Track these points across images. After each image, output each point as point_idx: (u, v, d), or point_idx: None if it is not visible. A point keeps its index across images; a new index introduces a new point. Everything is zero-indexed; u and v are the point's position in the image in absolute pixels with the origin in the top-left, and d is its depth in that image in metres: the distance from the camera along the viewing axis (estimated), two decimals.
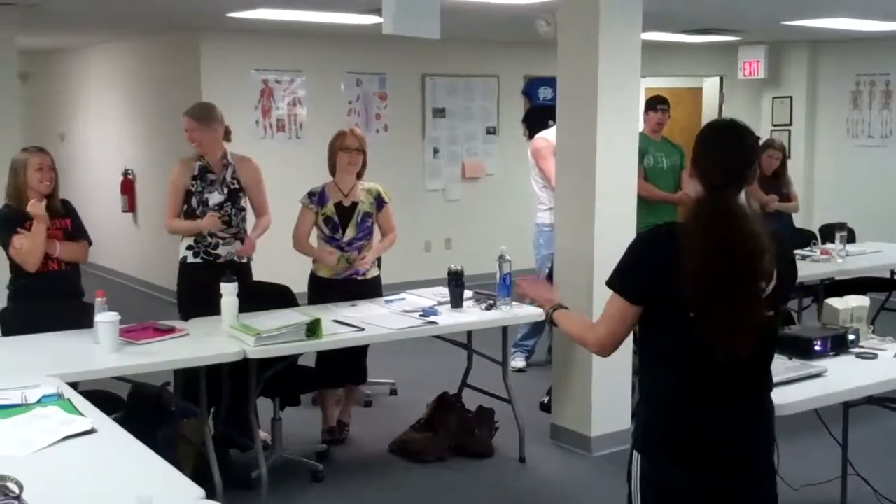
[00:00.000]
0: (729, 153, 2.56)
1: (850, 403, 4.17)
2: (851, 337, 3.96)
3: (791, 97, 10.36)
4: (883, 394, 3.94)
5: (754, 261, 2.49)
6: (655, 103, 6.99)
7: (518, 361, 6.87)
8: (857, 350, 3.94)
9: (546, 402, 5.84)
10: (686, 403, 2.59)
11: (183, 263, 5.23)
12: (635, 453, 2.68)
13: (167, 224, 5.25)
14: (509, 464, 5.20)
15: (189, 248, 5.19)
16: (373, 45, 9.09)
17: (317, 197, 5.22)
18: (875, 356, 3.92)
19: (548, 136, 6.49)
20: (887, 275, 7.26)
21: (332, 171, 5.28)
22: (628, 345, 5.32)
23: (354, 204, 5.25)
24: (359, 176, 5.30)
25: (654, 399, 2.67)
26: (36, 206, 4.64)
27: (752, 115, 10.70)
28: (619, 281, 2.65)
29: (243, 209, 5.29)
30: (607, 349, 2.72)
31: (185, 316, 4.82)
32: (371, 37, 8.46)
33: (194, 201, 5.15)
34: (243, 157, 5.34)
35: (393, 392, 6.36)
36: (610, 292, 2.68)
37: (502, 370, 5.25)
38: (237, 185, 5.24)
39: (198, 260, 5.19)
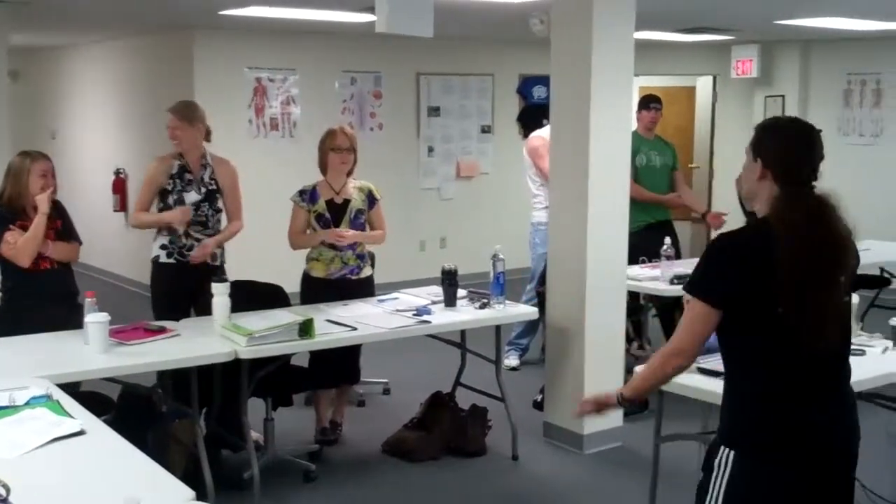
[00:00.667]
0: (812, 149, 2.63)
1: None
2: None
3: (783, 96, 10.37)
4: (871, 390, 3.96)
5: (845, 254, 2.58)
6: (648, 102, 7.00)
7: (512, 360, 6.88)
8: None
9: (539, 400, 5.84)
10: (784, 400, 2.60)
11: (155, 262, 5.23)
12: (727, 451, 2.65)
13: (133, 216, 5.28)
14: (502, 462, 5.20)
15: (163, 247, 5.19)
16: (367, 44, 9.08)
17: (308, 195, 5.21)
18: (863, 352, 3.94)
19: (543, 134, 6.49)
20: (877, 272, 7.28)
21: (323, 171, 5.28)
22: (619, 343, 5.38)
23: (346, 201, 5.24)
24: (349, 174, 5.30)
25: (750, 399, 2.65)
26: (42, 200, 4.63)
27: (745, 113, 10.72)
28: (703, 286, 2.63)
29: (220, 210, 5.30)
30: (686, 359, 2.69)
31: (159, 316, 4.83)
32: (365, 35, 8.45)
33: (171, 200, 5.15)
34: (222, 160, 5.33)
35: (386, 391, 6.36)
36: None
37: (496, 369, 5.26)
38: (215, 187, 5.24)
39: (171, 260, 5.18)
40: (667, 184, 6.97)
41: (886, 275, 7.35)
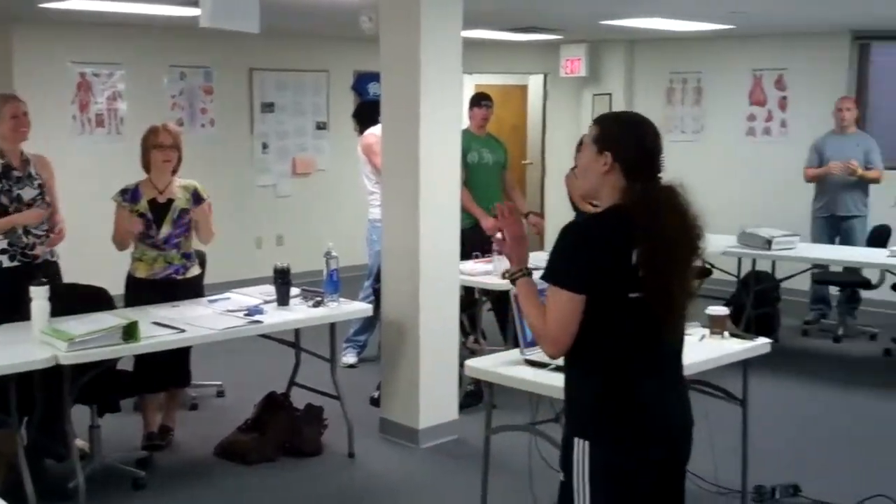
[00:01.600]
0: (655, 141, 2.68)
1: None
2: None
3: (610, 94, 10.71)
4: (689, 376, 4.13)
5: (699, 241, 2.65)
6: (479, 100, 7.11)
7: (349, 357, 6.87)
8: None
9: (376, 396, 5.86)
10: (638, 384, 2.64)
11: None
12: (582, 442, 2.64)
13: None
14: (338, 460, 5.19)
15: (3, 251, 4.95)
16: (197, 39, 8.88)
17: (129, 194, 5.07)
18: None
19: (377, 131, 6.48)
20: (699, 263, 7.61)
21: (147, 168, 5.14)
22: (454, 337, 5.45)
23: (170, 200, 5.12)
24: (174, 172, 5.17)
25: (602, 385, 2.64)
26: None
27: (574, 111, 11.04)
28: (564, 274, 2.61)
29: (50, 205, 5.11)
30: (563, 348, 2.64)
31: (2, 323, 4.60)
32: (195, 30, 8.18)
33: (4, 199, 4.92)
34: (39, 155, 5.16)
35: (220, 394, 6.25)
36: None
37: (331, 367, 5.24)
38: (41, 181, 5.06)
39: (16, 263, 4.96)
40: (499, 181, 7.10)
41: (708, 266, 7.71)
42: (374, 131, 6.58)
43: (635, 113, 2.86)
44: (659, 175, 2.69)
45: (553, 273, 2.63)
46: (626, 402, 2.63)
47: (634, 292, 2.58)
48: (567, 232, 2.65)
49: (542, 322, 2.66)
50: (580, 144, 8.51)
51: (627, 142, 2.66)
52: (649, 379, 2.66)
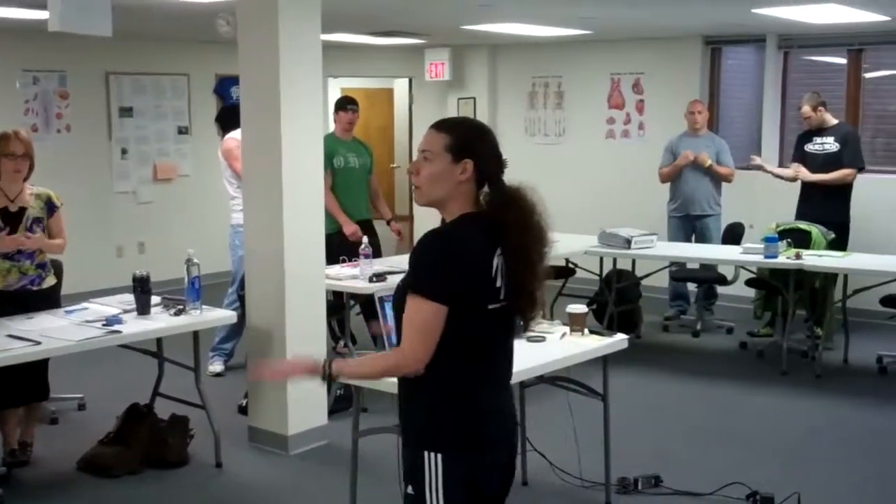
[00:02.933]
0: (497, 146, 2.70)
1: (525, 383, 4.47)
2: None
3: (475, 98, 10.84)
4: (552, 373, 4.27)
5: (550, 243, 2.67)
6: (345, 103, 7.12)
7: (216, 365, 6.77)
8: (528, 334, 4.20)
9: (244, 405, 5.79)
10: (485, 392, 2.63)
11: None
12: (432, 454, 2.58)
13: None
14: (206, 470, 5.11)
15: None
16: (50, 42, 8.54)
17: None
18: (543, 339, 4.23)
19: (237, 135, 6.41)
20: (563, 263, 7.80)
21: None
22: (321, 342, 5.44)
23: (22, 209, 4.96)
24: (26, 180, 5.02)
25: (450, 396, 2.59)
26: None
27: (440, 114, 11.01)
28: (428, 285, 2.52)
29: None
30: (425, 361, 2.54)
31: None
32: (47, 33, 7.96)
33: None
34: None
35: (81, 407, 6.07)
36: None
37: (195, 376, 5.16)
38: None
39: None
40: (365, 184, 7.11)
41: (571, 265, 7.90)
42: (235, 135, 6.50)
43: (475, 118, 2.92)
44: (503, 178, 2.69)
45: (418, 284, 2.53)
46: (474, 411, 2.61)
47: (494, 303, 2.58)
48: (429, 241, 2.57)
49: (389, 360, 2.65)
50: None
51: (484, 149, 2.65)
52: (493, 385, 2.67)
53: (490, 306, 2.57)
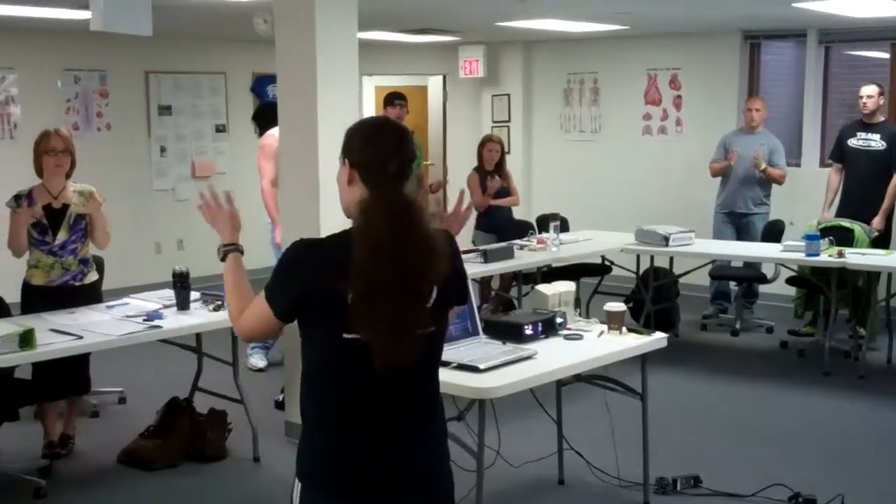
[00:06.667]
0: (398, 145, 2.38)
1: (562, 382, 4.45)
2: (559, 320, 4.22)
3: (509, 95, 10.82)
4: (589, 371, 4.24)
5: (428, 262, 2.28)
6: (393, 99, 7.18)
7: (258, 361, 6.79)
8: (564, 332, 4.21)
9: (281, 399, 5.83)
10: (342, 425, 2.36)
11: None
12: (296, 481, 2.43)
13: None
14: (243, 464, 5.16)
15: None
16: (91, 42, 8.67)
17: (24, 200, 4.96)
18: (581, 337, 4.20)
19: (276, 133, 6.48)
20: (599, 260, 7.78)
21: (40, 173, 5.05)
22: None
23: (65, 206, 5.03)
24: (68, 176, 5.09)
25: (312, 421, 2.41)
26: None
27: (474, 112, 11.14)
28: (272, 294, 2.39)
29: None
30: (247, 340, 2.76)
31: None
32: (88, 33, 8.05)
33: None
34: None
35: (122, 400, 6.14)
36: None
37: (233, 371, 5.20)
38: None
39: None
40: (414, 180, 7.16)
41: (607, 263, 7.87)
42: (274, 132, 6.56)
43: (380, 117, 2.69)
44: (403, 184, 2.37)
45: (269, 281, 2.40)
46: (330, 444, 2.37)
47: (350, 332, 2.27)
48: (288, 249, 2.39)
49: (237, 310, 2.52)
50: (482, 144, 8.67)
51: (362, 144, 2.39)
52: (355, 421, 2.35)
53: (345, 335, 2.27)
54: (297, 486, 2.43)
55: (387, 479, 2.37)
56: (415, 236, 2.28)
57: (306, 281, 2.32)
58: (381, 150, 2.37)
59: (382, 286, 2.22)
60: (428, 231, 2.32)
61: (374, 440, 2.36)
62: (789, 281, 7.57)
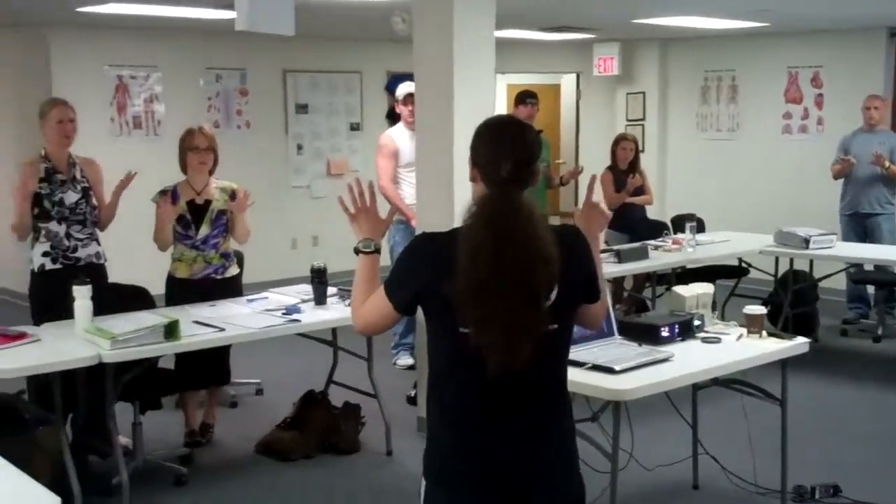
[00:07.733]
0: (513, 145, 2.36)
1: (698, 385, 4.36)
2: (697, 322, 4.14)
3: (644, 93, 10.67)
4: (727, 375, 4.14)
5: (535, 266, 2.23)
6: (525, 97, 7.18)
7: (406, 359, 6.76)
8: (702, 335, 4.12)
9: (413, 395, 5.89)
10: (465, 421, 2.35)
11: (41, 271, 5.04)
12: (423, 481, 2.43)
13: (18, 226, 5.06)
14: (376, 458, 5.23)
15: (45, 254, 5.03)
16: (232, 41, 8.95)
17: (168, 195, 5.13)
18: (719, 340, 4.11)
19: (392, 133, 6.57)
20: (735, 262, 7.59)
21: (184, 170, 5.22)
22: None
23: (208, 202, 5.19)
24: (211, 173, 5.24)
25: (436, 417, 2.42)
26: None
27: (608, 110, 11.02)
28: (390, 286, 2.43)
29: (95, 207, 5.19)
30: (366, 334, 2.81)
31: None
32: (229, 32, 8.25)
33: (47, 203, 5.00)
34: (88, 158, 5.25)
35: (259, 392, 6.31)
36: None
37: (368, 366, 5.28)
38: (87, 184, 5.13)
39: (57, 266, 5.03)
40: (542, 177, 7.14)
41: (745, 265, 7.68)
42: (390, 132, 6.64)
43: (507, 115, 2.61)
44: (520, 185, 2.34)
45: (386, 279, 2.45)
46: (454, 440, 2.37)
47: (465, 327, 2.26)
48: (413, 240, 2.49)
49: (359, 302, 2.54)
50: (616, 143, 8.58)
51: (483, 146, 2.41)
52: (478, 417, 2.34)
53: (461, 329, 2.26)
54: (423, 483, 2.44)
55: (510, 477, 2.34)
56: (520, 240, 2.22)
57: (424, 274, 2.35)
58: (496, 150, 2.36)
59: (486, 288, 2.20)
60: (537, 234, 2.25)
61: (497, 438, 2.34)
62: None
